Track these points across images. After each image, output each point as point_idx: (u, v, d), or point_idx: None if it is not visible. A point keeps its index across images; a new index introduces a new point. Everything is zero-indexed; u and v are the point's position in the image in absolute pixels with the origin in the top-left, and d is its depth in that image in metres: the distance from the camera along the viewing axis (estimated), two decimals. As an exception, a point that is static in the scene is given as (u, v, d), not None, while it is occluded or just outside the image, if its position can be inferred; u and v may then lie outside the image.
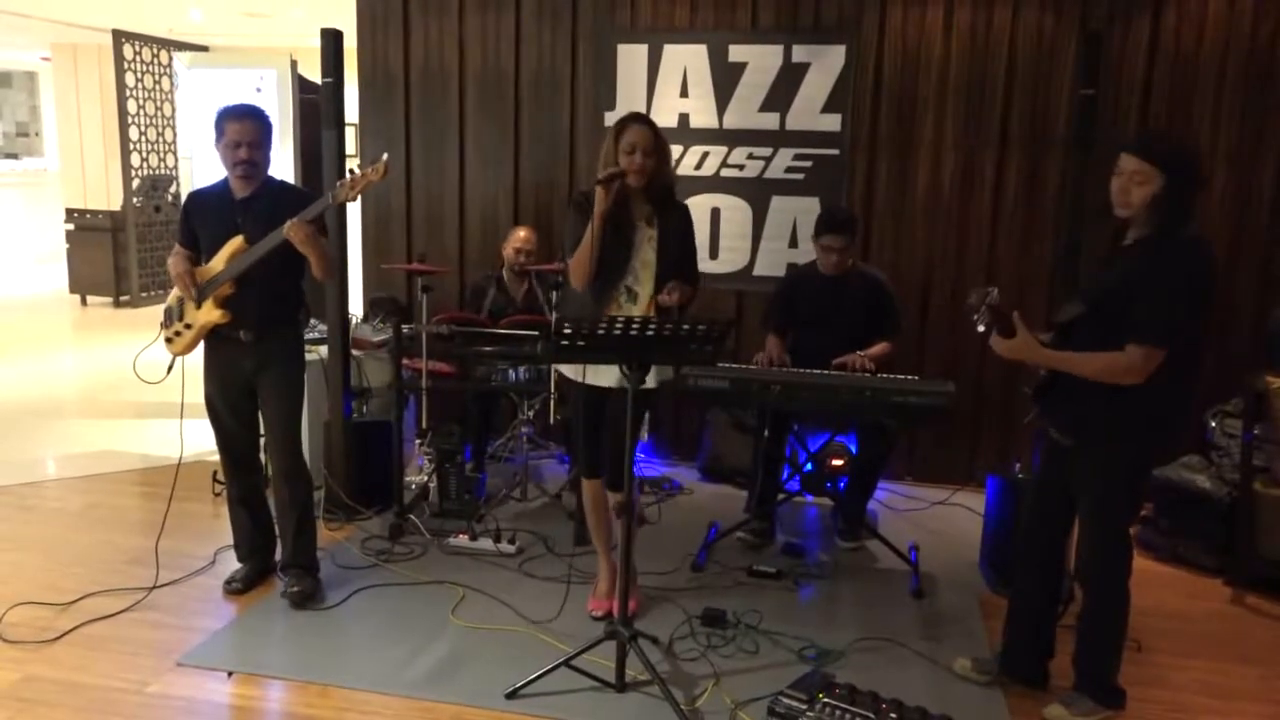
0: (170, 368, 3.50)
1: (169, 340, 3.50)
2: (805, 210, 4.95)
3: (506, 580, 3.70)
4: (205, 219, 3.41)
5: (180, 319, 3.46)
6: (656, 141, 3.13)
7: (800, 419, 4.19)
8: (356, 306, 5.24)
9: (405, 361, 4.43)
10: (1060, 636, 3.03)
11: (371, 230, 5.59)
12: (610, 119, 3.59)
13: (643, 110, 4.94)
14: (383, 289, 5.47)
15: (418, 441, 4.67)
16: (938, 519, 4.58)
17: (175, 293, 3.48)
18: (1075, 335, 2.71)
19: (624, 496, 2.93)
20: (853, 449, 4.42)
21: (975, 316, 2.62)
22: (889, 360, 4.10)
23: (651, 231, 3.21)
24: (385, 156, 3.21)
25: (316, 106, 4.76)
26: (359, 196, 3.28)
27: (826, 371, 3.90)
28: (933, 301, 4.92)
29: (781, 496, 4.24)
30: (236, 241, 3.32)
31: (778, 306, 4.30)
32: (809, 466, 4.24)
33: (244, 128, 3.28)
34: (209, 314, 3.37)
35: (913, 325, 4.80)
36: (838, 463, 4.46)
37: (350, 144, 4.91)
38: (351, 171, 3.23)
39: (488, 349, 4.49)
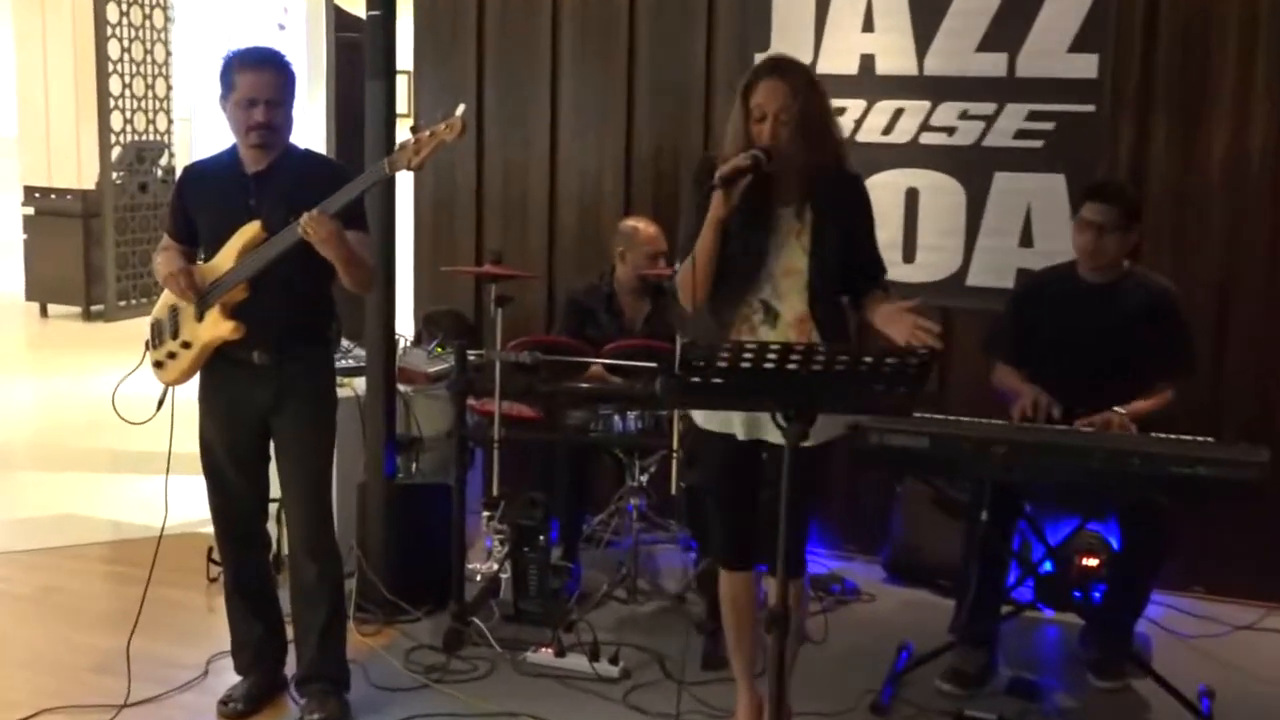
0: (161, 402, 3.58)
1: (159, 365, 3.61)
2: (1044, 192, 4.87)
3: (606, 715, 3.72)
4: (207, 201, 3.53)
5: (174, 336, 3.55)
6: (800, 100, 3.12)
7: (1035, 497, 4.10)
8: (406, 324, 5.37)
9: (471, 402, 4.50)
10: None
11: (428, 219, 5.73)
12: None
13: (808, 53, 4.97)
14: (442, 301, 5.59)
15: (486, 515, 4.73)
16: (1243, 650, 4.44)
17: (165, 300, 3.59)
18: None
19: (777, 598, 2.90)
20: (1113, 543, 4.32)
21: None
22: (1167, 414, 3.99)
23: (799, 225, 3.23)
24: (462, 109, 3.26)
25: (358, 49, 4.93)
26: (423, 166, 3.33)
27: (1074, 427, 3.82)
28: (1234, 326, 4.77)
29: (1007, 609, 4.16)
30: (251, 229, 3.40)
31: (1012, 323, 4.25)
32: (1048, 566, 4.15)
33: (261, 80, 3.39)
34: (216, 328, 3.44)
35: (1204, 360, 4.64)
36: (1091, 562, 4.37)
37: (402, 100, 5.05)
38: (415, 131, 3.28)
39: (586, 386, 4.53)
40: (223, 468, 3.60)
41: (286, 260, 3.35)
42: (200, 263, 3.54)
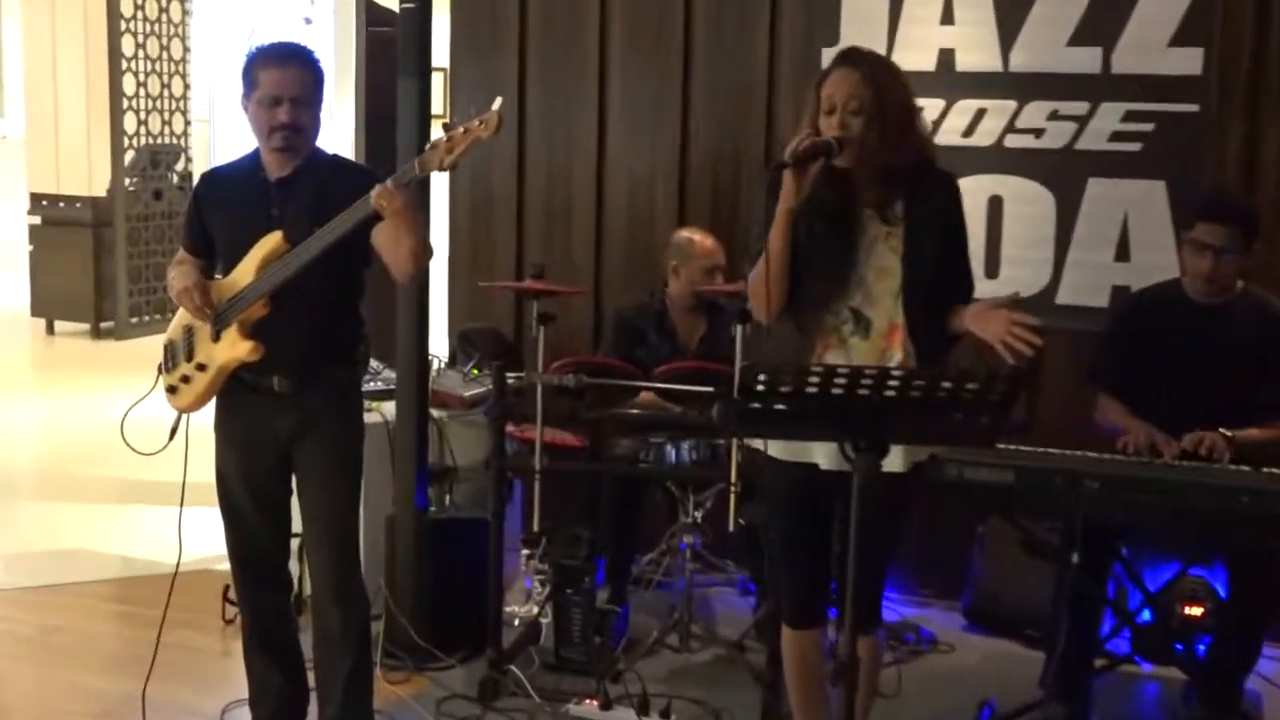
0: (174, 430, 3.62)
1: (172, 389, 3.63)
2: (1143, 201, 4.84)
3: (656, 775, 3.72)
4: (225, 209, 3.55)
5: (189, 358, 3.57)
6: (873, 89, 3.12)
7: (1132, 538, 4.08)
8: (440, 344, 5.39)
9: (510, 429, 4.51)
10: None
11: (465, 229, 5.75)
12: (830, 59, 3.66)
13: (881, 47, 4.95)
14: (479, 318, 5.62)
15: (525, 553, 4.74)
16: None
17: (180, 319, 3.62)
18: None
19: (845, 647, 2.89)
20: (1220, 590, 4.28)
21: None
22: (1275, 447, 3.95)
23: (887, 227, 3.24)
24: (498, 103, 3.24)
25: (390, 44, 4.97)
26: (456, 166, 3.31)
27: (1175, 461, 3.79)
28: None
29: (1101, 662, 4.14)
30: (272, 240, 3.41)
31: (1115, 350, 4.22)
32: (1146, 616, 4.12)
33: (286, 77, 3.41)
34: (233, 348, 3.45)
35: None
36: (1195, 611, 4.34)
37: (437, 99, 5.09)
38: (447, 128, 3.26)
39: (636, 413, 4.53)
40: (240, 502, 3.61)
41: (311, 274, 3.36)
42: (217, 277, 3.57)
